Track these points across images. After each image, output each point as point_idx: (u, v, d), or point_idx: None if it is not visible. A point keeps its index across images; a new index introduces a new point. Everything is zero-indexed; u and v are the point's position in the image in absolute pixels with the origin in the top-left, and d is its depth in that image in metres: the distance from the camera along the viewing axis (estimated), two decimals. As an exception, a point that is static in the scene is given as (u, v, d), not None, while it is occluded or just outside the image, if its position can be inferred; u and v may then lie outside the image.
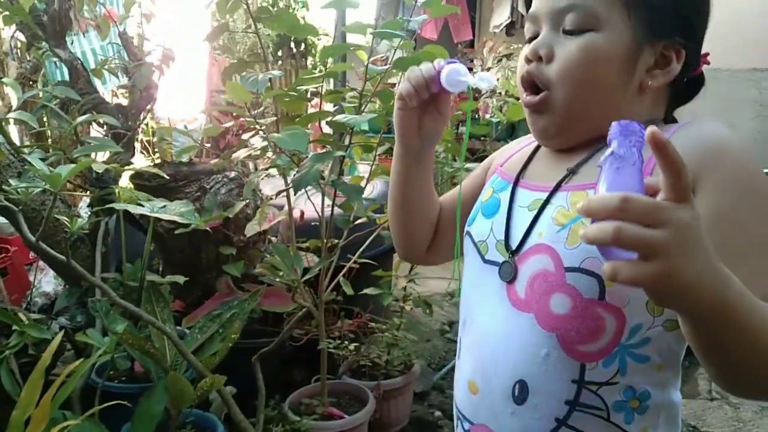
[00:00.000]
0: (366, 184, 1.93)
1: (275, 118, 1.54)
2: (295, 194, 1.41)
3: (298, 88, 1.58)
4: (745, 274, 0.57)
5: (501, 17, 6.29)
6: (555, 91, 0.74)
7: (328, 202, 1.73)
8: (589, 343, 0.69)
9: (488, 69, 5.65)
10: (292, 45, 7.09)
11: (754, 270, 0.61)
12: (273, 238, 2.49)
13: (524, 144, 0.93)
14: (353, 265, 2.08)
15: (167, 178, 1.90)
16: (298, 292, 1.65)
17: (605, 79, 0.72)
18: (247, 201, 2.17)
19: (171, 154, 2.58)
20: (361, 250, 2.03)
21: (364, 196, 2.68)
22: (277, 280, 1.58)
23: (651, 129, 0.47)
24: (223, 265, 2.10)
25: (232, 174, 2.18)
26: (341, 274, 1.98)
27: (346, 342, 2.02)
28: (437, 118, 0.85)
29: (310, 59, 7.27)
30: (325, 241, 1.74)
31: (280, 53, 6.98)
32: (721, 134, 0.68)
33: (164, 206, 1.60)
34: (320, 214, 1.74)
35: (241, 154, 1.49)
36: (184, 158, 2.16)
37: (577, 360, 0.70)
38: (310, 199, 1.68)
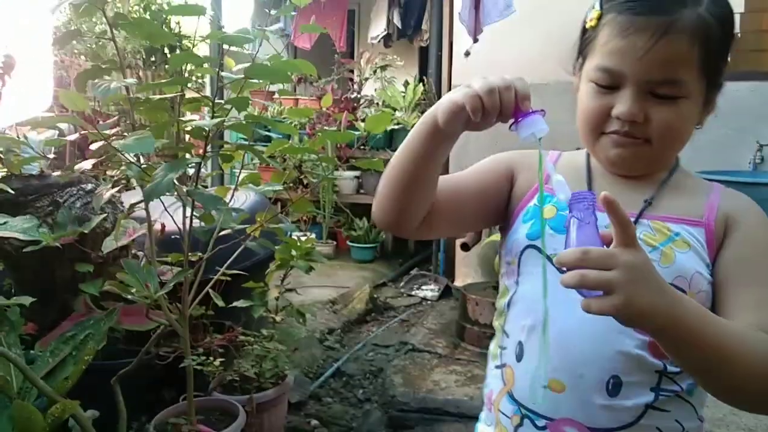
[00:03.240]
0: (232, 194, 1.90)
1: (119, 126, 1.48)
2: (146, 205, 1.37)
3: (150, 96, 1.53)
4: (753, 299, 0.79)
5: (378, 29, 6.41)
6: (655, 145, 0.87)
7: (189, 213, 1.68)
8: None
9: (366, 79, 5.73)
10: (167, 50, 6.85)
11: (761, 298, 0.80)
12: (139, 253, 2.39)
13: (552, 157, 1.03)
14: (223, 278, 2.04)
15: (11, 192, 1.77)
16: (153, 309, 1.60)
17: (689, 131, 0.90)
18: (106, 215, 2.07)
19: (20, 167, 2.41)
20: (228, 262, 1.99)
21: (236, 206, 2.63)
22: (129, 297, 1.52)
23: (603, 194, 0.65)
24: (80, 283, 1.98)
25: (89, 186, 2.07)
26: (207, 287, 1.93)
27: (211, 358, 1.97)
28: (485, 124, 0.82)
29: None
30: (187, 254, 1.69)
31: (153, 59, 6.71)
32: (750, 200, 0.92)
33: (5, 223, 1.49)
34: (181, 226, 1.69)
35: (85, 164, 1.42)
36: (35, 170, 2.03)
37: (661, 359, 0.84)
38: (167, 210, 1.63)
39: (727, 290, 0.83)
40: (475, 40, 3.72)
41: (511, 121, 0.79)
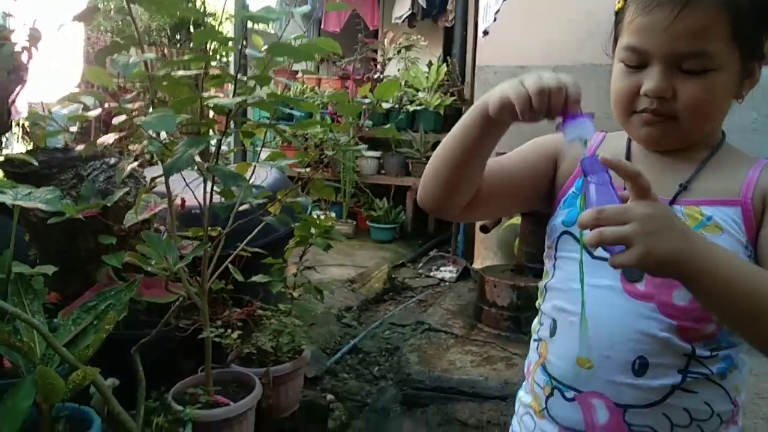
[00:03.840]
0: (253, 170, 1.92)
1: (143, 101, 1.50)
2: (166, 180, 1.39)
3: (173, 73, 1.54)
4: None
5: (402, 9, 6.37)
6: (682, 121, 0.86)
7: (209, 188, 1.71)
8: (701, 329, 0.85)
9: (389, 59, 5.71)
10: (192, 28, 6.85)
11: None
12: (161, 227, 2.43)
13: (594, 142, 1.01)
14: (244, 254, 2.07)
15: (36, 165, 1.80)
16: (172, 282, 1.63)
17: (721, 106, 0.88)
18: (128, 189, 2.10)
19: (45, 140, 2.46)
20: (249, 238, 2.02)
21: (258, 183, 2.64)
22: (149, 268, 1.55)
23: (601, 156, 0.69)
24: (103, 255, 2.02)
25: (113, 160, 2.11)
26: (227, 262, 1.96)
27: (229, 331, 2.00)
28: (533, 120, 0.84)
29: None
30: (207, 228, 1.72)
31: (178, 36, 6.73)
32: None
33: (29, 193, 1.53)
34: (201, 201, 1.72)
35: (107, 138, 1.44)
36: (59, 144, 2.06)
37: (690, 342, 0.85)
38: (188, 185, 1.65)
39: None
40: (494, 20, 3.70)
41: (559, 120, 0.80)
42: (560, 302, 0.95)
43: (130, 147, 1.57)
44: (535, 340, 1.03)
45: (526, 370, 1.06)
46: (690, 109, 0.84)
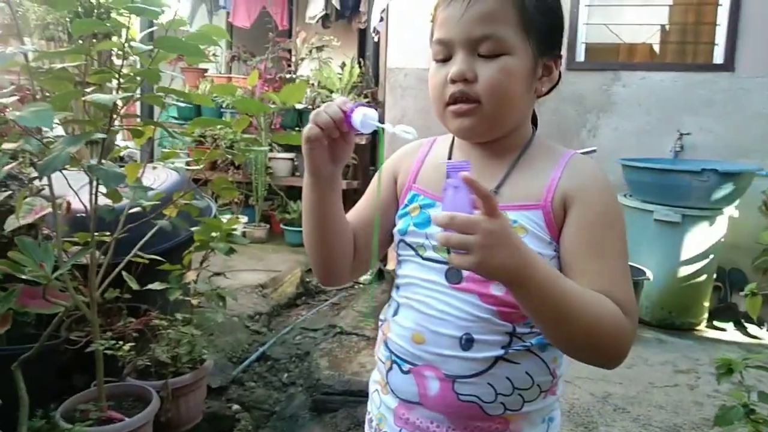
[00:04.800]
0: (143, 171, 1.82)
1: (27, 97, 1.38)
2: (40, 180, 1.28)
3: (52, 66, 1.43)
4: (592, 270, 0.89)
5: (316, 8, 6.29)
6: (485, 104, 0.92)
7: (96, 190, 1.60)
8: (518, 312, 0.92)
9: (302, 59, 5.64)
10: (95, 25, 6.51)
11: (599, 269, 0.89)
12: (53, 234, 2.27)
13: (423, 153, 1.10)
14: (139, 260, 1.96)
15: None
16: (60, 291, 1.51)
17: (518, 90, 0.94)
18: (11, 192, 1.95)
19: None
20: (141, 242, 1.91)
21: (156, 185, 2.52)
22: (24, 277, 1.43)
23: (462, 174, 0.73)
24: (-20, 264, 1.86)
25: (-9, 162, 1.94)
26: (118, 268, 1.85)
27: (121, 342, 1.89)
28: (345, 144, 0.94)
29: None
30: (93, 233, 1.61)
31: (79, 34, 6.38)
32: (596, 170, 0.97)
33: None
34: (88, 204, 1.61)
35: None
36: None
37: (511, 322, 0.94)
38: (71, 187, 1.54)
39: (570, 266, 0.91)
40: (381, 19, 3.89)
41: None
42: (403, 292, 1.04)
43: (5, 145, 1.45)
44: (381, 321, 1.11)
45: (376, 349, 1.13)
46: (489, 89, 0.91)
